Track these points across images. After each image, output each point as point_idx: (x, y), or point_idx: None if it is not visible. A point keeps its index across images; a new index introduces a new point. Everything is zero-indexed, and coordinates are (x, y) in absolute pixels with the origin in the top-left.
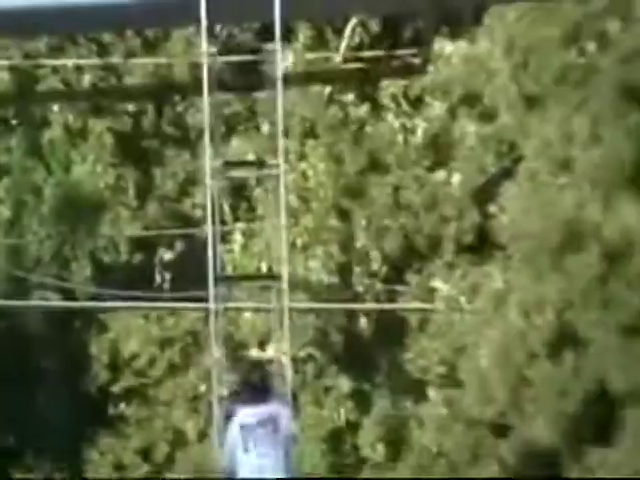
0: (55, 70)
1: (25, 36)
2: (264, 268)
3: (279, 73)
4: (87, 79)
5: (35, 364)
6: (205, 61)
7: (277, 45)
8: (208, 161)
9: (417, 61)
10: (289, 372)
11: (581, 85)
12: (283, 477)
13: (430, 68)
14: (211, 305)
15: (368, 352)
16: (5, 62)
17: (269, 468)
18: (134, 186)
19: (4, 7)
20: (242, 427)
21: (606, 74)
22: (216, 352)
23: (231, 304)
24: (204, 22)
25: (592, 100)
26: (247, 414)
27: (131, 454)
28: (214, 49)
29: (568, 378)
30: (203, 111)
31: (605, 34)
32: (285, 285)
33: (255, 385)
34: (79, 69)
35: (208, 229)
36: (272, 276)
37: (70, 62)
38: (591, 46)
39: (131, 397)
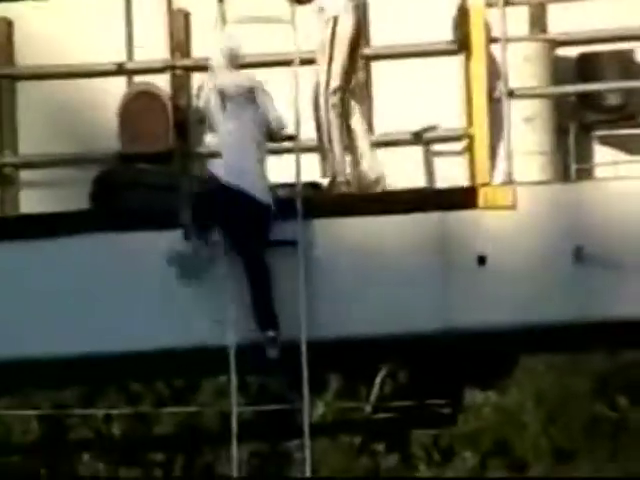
0: (85, 419)
1: (54, 386)
2: None
3: (306, 427)
4: (117, 428)
5: None
6: (234, 410)
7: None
8: None
9: (447, 411)
10: None
11: (611, 438)
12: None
13: (460, 418)
14: None
15: None
16: (34, 412)
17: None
18: None
19: (31, 357)
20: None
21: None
22: None
23: None
24: (233, 376)
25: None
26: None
27: None
28: None
29: None
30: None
31: (635, 385)
32: None
33: None
34: (109, 418)
35: None
36: None
37: (100, 412)
38: (621, 399)
39: None
